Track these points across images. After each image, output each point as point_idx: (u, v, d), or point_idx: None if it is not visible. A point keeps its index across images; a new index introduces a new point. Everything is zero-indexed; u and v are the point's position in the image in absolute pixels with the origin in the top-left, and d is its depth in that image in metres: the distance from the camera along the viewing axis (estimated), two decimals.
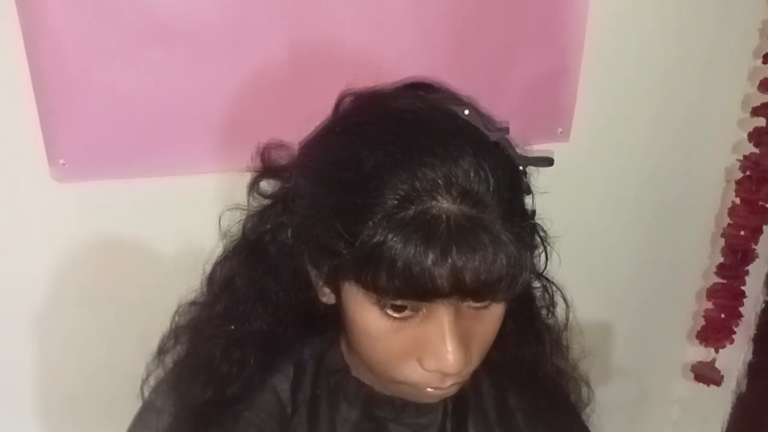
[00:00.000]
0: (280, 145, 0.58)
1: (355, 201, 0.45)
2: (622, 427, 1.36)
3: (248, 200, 0.58)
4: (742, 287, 1.24)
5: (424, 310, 0.48)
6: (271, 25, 0.81)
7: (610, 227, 1.18)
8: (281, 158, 0.58)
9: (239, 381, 0.58)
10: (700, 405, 1.40)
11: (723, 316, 1.26)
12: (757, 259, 1.22)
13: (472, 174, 0.45)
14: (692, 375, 1.33)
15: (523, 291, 0.59)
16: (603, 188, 1.14)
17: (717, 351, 1.30)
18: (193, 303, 0.62)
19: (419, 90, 0.53)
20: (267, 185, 0.58)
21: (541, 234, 0.57)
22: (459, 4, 0.90)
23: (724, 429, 1.35)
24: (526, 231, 0.49)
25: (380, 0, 0.85)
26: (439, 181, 0.44)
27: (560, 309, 0.65)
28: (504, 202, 0.46)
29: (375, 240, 0.44)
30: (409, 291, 0.44)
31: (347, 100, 0.54)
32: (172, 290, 0.63)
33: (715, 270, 1.26)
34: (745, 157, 1.17)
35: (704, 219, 1.28)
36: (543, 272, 0.61)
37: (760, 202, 1.17)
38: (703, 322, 1.29)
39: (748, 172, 1.17)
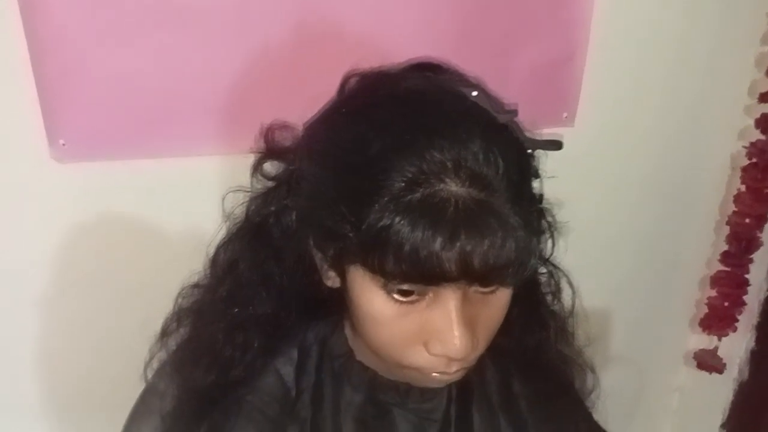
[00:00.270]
0: (284, 127, 0.57)
1: (361, 184, 0.45)
2: (623, 415, 1.36)
3: (252, 182, 0.58)
4: (746, 275, 1.24)
5: (431, 295, 0.47)
6: (274, 6, 0.80)
7: (614, 213, 1.17)
8: (285, 140, 0.57)
9: (242, 364, 0.58)
10: (701, 393, 1.40)
11: (726, 304, 1.25)
12: (761, 247, 1.21)
13: (481, 157, 0.44)
14: (694, 363, 1.34)
15: (529, 276, 0.59)
16: (607, 174, 1.13)
17: (720, 339, 1.30)
18: (196, 286, 0.62)
19: (427, 71, 0.52)
20: (271, 167, 0.57)
21: (549, 219, 0.56)
22: None
23: (726, 417, 1.36)
24: (534, 216, 0.49)
25: None
26: (448, 164, 0.43)
27: (566, 295, 0.65)
28: (513, 186, 0.45)
29: (382, 223, 0.43)
30: (416, 275, 0.44)
31: (352, 80, 0.53)
32: (174, 272, 0.63)
33: (719, 258, 1.25)
34: (751, 144, 1.16)
35: (709, 206, 1.28)
36: (549, 258, 0.60)
37: (766, 190, 1.17)
38: (706, 310, 1.29)
39: (754, 159, 1.16)
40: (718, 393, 1.35)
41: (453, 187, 0.43)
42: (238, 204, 0.59)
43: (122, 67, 0.76)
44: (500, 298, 0.49)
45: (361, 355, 0.59)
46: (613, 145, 1.11)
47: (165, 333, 0.62)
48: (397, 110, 0.47)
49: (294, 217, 0.54)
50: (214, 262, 0.60)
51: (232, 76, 0.81)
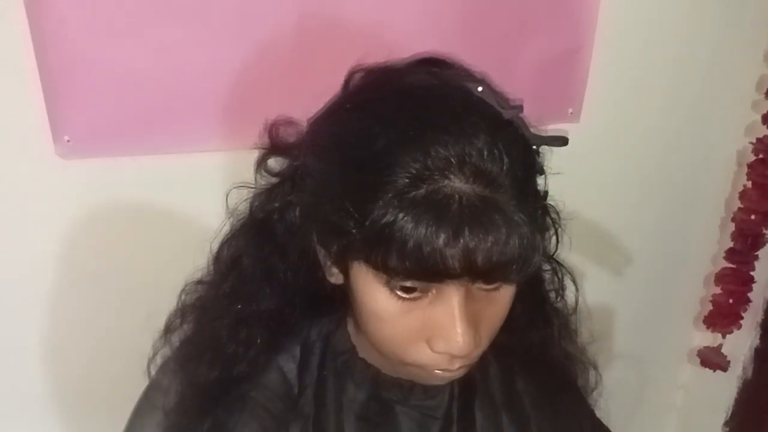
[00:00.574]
0: (289, 122, 0.57)
1: (365, 179, 0.45)
2: (627, 412, 1.36)
3: (255, 178, 0.57)
4: (752, 272, 1.23)
5: (434, 291, 0.47)
6: (277, 0, 0.79)
7: (619, 209, 1.17)
8: (289, 135, 0.57)
9: (246, 361, 0.58)
10: (705, 390, 1.40)
11: (731, 301, 1.25)
12: (767, 245, 1.21)
13: (486, 153, 0.44)
14: (698, 360, 1.33)
15: (533, 273, 0.58)
16: (613, 169, 1.12)
17: (724, 336, 1.29)
18: (199, 282, 0.62)
19: (432, 66, 0.52)
20: (275, 163, 0.57)
21: (553, 216, 0.56)
22: None
23: (729, 415, 1.35)
24: (538, 212, 0.48)
25: None
26: (452, 160, 0.43)
27: (569, 292, 0.64)
28: (518, 183, 0.45)
29: (385, 219, 0.43)
30: (419, 272, 0.44)
31: (357, 76, 0.53)
32: (179, 269, 0.63)
33: (724, 255, 1.25)
34: (758, 140, 1.15)
35: (714, 203, 1.27)
36: (553, 255, 0.60)
37: None
38: (711, 307, 1.28)
39: (760, 155, 1.15)
40: (722, 390, 1.35)
41: (457, 183, 0.43)
42: (241, 200, 0.59)
43: (126, 64, 0.76)
44: (503, 295, 0.49)
45: (364, 352, 0.59)
46: (618, 141, 1.10)
47: (168, 329, 0.62)
48: (401, 106, 0.47)
49: (298, 213, 0.54)
50: (218, 258, 0.60)
51: (236, 71, 0.81)
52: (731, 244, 1.23)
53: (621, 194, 1.16)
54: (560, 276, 0.63)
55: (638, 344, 1.31)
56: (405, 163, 0.43)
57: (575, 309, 0.65)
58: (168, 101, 0.80)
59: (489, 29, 0.93)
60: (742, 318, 1.26)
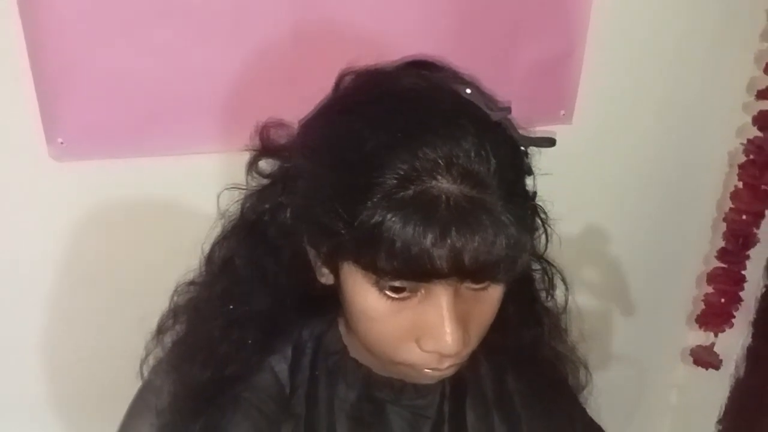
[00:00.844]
0: (280, 124, 0.57)
1: (354, 181, 0.45)
2: (620, 412, 1.37)
3: (247, 180, 0.58)
4: (743, 272, 1.24)
5: (423, 291, 0.47)
6: (273, 3, 0.80)
7: (612, 210, 1.17)
8: (281, 137, 0.57)
9: (238, 361, 0.58)
10: (698, 389, 1.40)
11: (723, 300, 1.26)
12: (758, 244, 1.22)
13: (473, 154, 0.44)
14: (691, 359, 1.34)
15: (522, 273, 0.59)
16: (605, 171, 1.13)
17: (716, 335, 1.30)
18: (191, 283, 0.62)
19: (421, 68, 0.52)
20: (266, 164, 0.57)
21: (542, 216, 0.56)
22: None
23: (722, 413, 1.36)
24: (526, 212, 0.49)
25: None
26: (440, 161, 0.44)
27: (559, 292, 0.65)
28: (505, 183, 0.45)
29: (374, 220, 0.43)
30: (407, 272, 0.44)
31: (348, 78, 0.54)
32: (173, 270, 0.63)
33: (716, 254, 1.26)
34: (749, 140, 1.16)
35: (706, 203, 1.28)
36: (543, 254, 0.60)
37: (763, 187, 1.17)
38: (703, 307, 1.29)
39: (751, 156, 1.16)
40: (715, 389, 1.35)
41: (445, 184, 0.43)
42: (233, 201, 0.59)
43: (120, 66, 0.76)
44: (492, 295, 0.50)
45: (356, 353, 0.60)
46: (610, 143, 1.11)
47: (161, 330, 0.62)
48: (391, 108, 0.47)
49: (289, 215, 0.54)
50: (210, 259, 0.60)
51: (230, 74, 0.81)
52: (723, 244, 1.24)
53: (613, 195, 1.17)
54: (550, 275, 0.63)
55: (632, 344, 1.32)
56: (393, 164, 0.44)
57: (565, 308, 0.65)
58: (161, 103, 0.80)
59: (482, 32, 0.93)
60: (734, 317, 1.27)
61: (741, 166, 1.18)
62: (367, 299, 0.48)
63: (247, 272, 0.57)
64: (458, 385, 0.62)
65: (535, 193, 0.53)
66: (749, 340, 1.29)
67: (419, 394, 0.60)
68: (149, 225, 0.85)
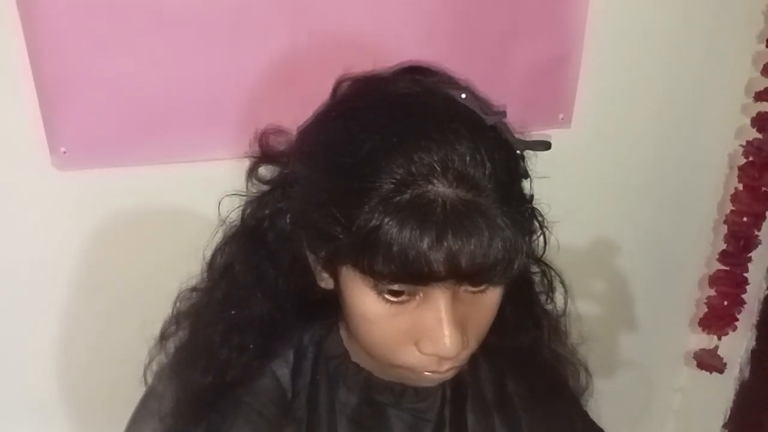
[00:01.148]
0: (279, 131, 0.58)
1: (351, 185, 0.46)
2: (623, 416, 1.36)
3: (247, 186, 0.58)
4: (745, 274, 1.23)
5: (421, 295, 0.48)
6: (270, 10, 0.81)
7: (612, 213, 1.17)
8: (280, 144, 0.58)
9: (239, 366, 0.59)
10: (702, 393, 1.40)
11: (725, 303, 1.25)
12: (759, 246, 1.21)
13: (468, 158, 0.45)
14: (695, 363, 1.33)
15: (521, 276, 0.59)
16: (605, 174, 1.13)
17: (719, 338, 1.29)
18: (193, 289, 0.63)
19: (416, 74, 0.53)
20: (266, 171, 0.58)
21: (539, 219, 0.57)
22: None
23: (727, 417, 1.35)
24: (523, 215, 0.49)
25: None
26: (436, 166, 0.44)
27: (559, 295, 0.65)
28: (501, 186, 0.46)
29: (371, 224, 0.44)
30: (405, 275, 0.45)
31: (345, 84, 0.54)
32: (175, 277, 0.63)
33: (717, 257, 1.25)
34: (748, 142, 1.16)
35: (707, 206, 1.28)
36: (542, 257, 0.61)
37: (763, 188, 1.16)
38: (706, 310, 1.29)
39: (751, 158, 1.16)
40: (720, 393, 1.35)
41: (440, 188, 0.44)
42: (234, 208, 0.60)
43: (122, 75, 0.77)
44: (490, 298, 0.50)
45: (356, 357, 0.60)
46: (610, 146, 1.11)
47: (164, 336, 0.63)
48: (386, 113, 0.48)
49: (288, 220, 0.55)
50: (211, 265, 0.61)
51: (230, 81, 0.82)
52: (724, 247, 1.24)
53: (613, 198, 1.17)
54: (549, 278, 0.64)
55: (635, 348, 1.32)
56: (390, 169, 0.44)
57: (564, 311, 0.65)
58: (164, 112, 0.81)
59: (480, 36, 0.94)
60: (737, 320, 1.26)
61: (740, 168, 1.18)
62: (366, 303, 0.48)
63: (248, 278, 0.58)
64: (459, 388, 0.63)
65: (531, 196, 0.53)
66: (753, 342, 1.29)
67: (420, 398, 0.61)
68: (151, 232, 0.86)
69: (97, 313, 0.87)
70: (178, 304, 0.63)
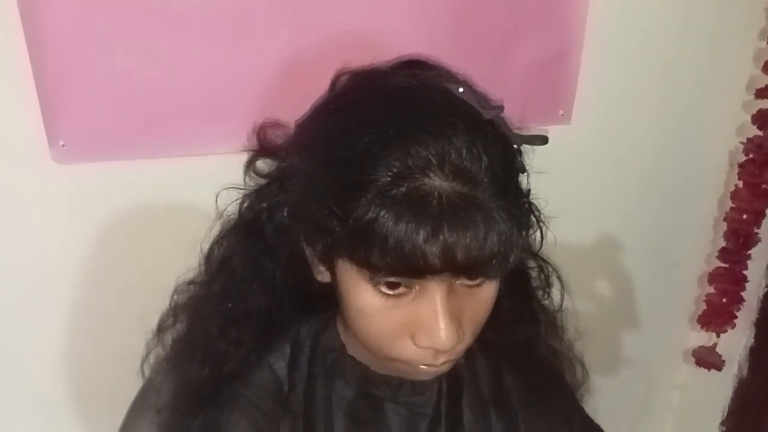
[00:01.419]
0: (277, 125, 0.58)
1: (348, 178, 0.46)
2: (623, 413, 1.36)
3: (245, 180, 0.58)
4: (744, 272, 1.24)
5: (417, 288, 0.48)
6: (271, 7, 0.81)
7: (612, 210, 1.17)
8: (278, 137, 0.58)
9: (236, 359, 0.59)
10: (701, 390, 1.40)
11: (725, 300, 1.25)
12: (759, 243, 1.21)
13: (464, 152, 0.45)
14: (693, 360, 1.33)
15: (518, 270, 0.59)
16: (605, 171, 1.13)
17: (718, 336, 1.29)
18: (191, 282, 0.63)
19: (414, 68, 0.53)
20: (263, 165, 0.58)
21: (536, 213, 0.57)
22: None
23: (725, 414, 1.35)
24: (519, 209, 0.49)
25: None
26: (432, 159, 0.44)
27: (556, 290, 0.65)
28: (497, 180, 0.46)
29: (368, 217, 0.44)
30: (401, 268, 0.45)
31: (343, 78, 0.54)
32: (173, 270, 0.63)
33: (717, 254, 1.25)
34: (748, 139, 1.16)
35: (707, 203, 1.28)
36: (538, 252, 0.61)
37: (763, 186, 1.17)
38: (705, 307, 1.29)
39: (751, 155, 1.16)
40: (719, 390, 1.35)
41: (437, 181, 0.44)
42: (232, 201, 0.60)
43: (120, 69, 0.77)
44: (486, 291, 0.50)
45: (353, 350, 0.60)
46: (610, 142, 1.11)
47: (161, 329, 0.63)
48: (384, 106, 0.48)
49: (286, 213, 0.55)
50: (209, 258, 0.61)
51: (228, 76, 0.82)
52: (724, 244, 1.24)
53: (613, 195, 1.17)
54: (546, 273, 0.64)
55: (634, 345, 1.32)
56: (386, 162, 0.44)
57: (561, 306, 0.65)
58: (163, 106, 0.81)
59: (480, 32, 0.94)
60: (736, 317, 1.26)
61: (741, 165, 1.18)
62: (363, 296, 0.48)
63: (245, 271, 0.58)
64: (455, 382, 0.63)
65: (529, 190, 0.53)
66: (752, 340, 1.29)
67: (416, 392, 0.61)
68: (151, 226, 0.86)
69: (98, 307, 0.87)
70: (175, 297, 0.63)
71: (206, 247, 0.61)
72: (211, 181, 0.83)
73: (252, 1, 0.80)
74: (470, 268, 0.45)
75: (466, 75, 0.53)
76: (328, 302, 0.59)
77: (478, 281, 0.49)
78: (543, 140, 0.52)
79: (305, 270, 0.56)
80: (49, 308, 0.86)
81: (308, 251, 0.54)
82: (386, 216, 0.43)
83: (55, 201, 0.81)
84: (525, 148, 0.53)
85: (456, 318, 0.48)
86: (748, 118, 1.16)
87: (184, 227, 0.85)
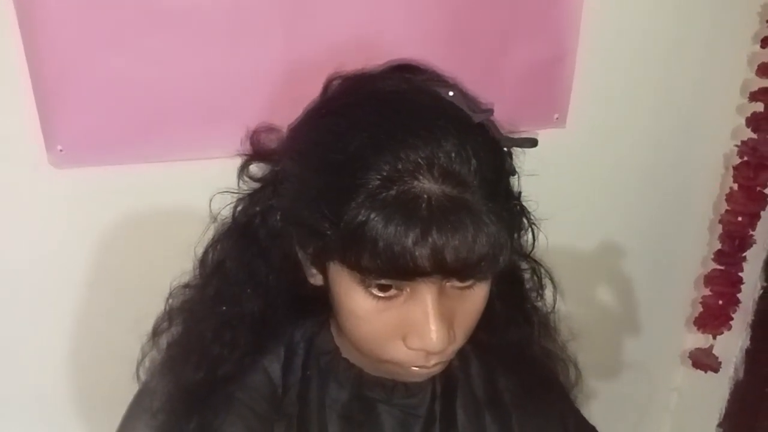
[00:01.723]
0: (270, 129, 0.58)
1: (339, 182, 0.46)
2: (619, 415, 1.36)
3: (238, 184, 0.59)
4: (740, 274, 1.24)
5: (408, 290, 0.48)
6: (268, 11, 0.81)
7: (607, 213, 1.18)
8: (271, 142, 0.58)
9: (231, 362, 0.59)
10: (697, 392, 1.40)
11: (721, 302, 1.26)
12: (754, 246, 1.22)
13: (454, 155, 0.45)
14: (690, 362, 1.34)
15: (510, 272, 0.60)
16: (600, 174, 1.14)
17: (715, 338, 1.30)
18: (186, 286, 0.63)
19: (405, 71, 0.53)
20: (257, 169, 0.59)
21: (528, 215, 0.57)
22: None
23: (722, 416, 1.36)
24: (509, 212, 0.50)
25: None
26: (422, 162, 0.45)
27: (549, 292, 0.66)
28: (486, 183, 0.46)
29: (358, 220, 0.44)
30: (391, 270, 0.45)
31: (335, 82, 0.55)
32: (169, 274, 0.64)
33: (712, 256, 1.26)
34: (743, 142, 1.16)
35: (702, 206, 1.28)
36: (530, 254, 0.61)
37: (758, 188, 1.17)
38: (701, 309, 1.29)
39: (746, 158, 1.16)
40: (715, 392, 1.35)
41: (426, 184, 0.44)
42: (225, 205, 0.61)
43: (119, 73, 0.78)
44: (477, 293, 0.51)
45: (347, 353, 0.60)
46: (605, 146, 1.12)
47: (156, 332, 0.63)
48: (374, 110, 0.48)
49: (279, 217, 0.56)
50: (203, 262, 0.61)
51: (225, 80, 0.82)
52: (720, 246, 1.24)
53: (608, 198, 1.17)
54: (539, 275, 0.64)
55: (630, 347, 1.32)
56: (377, 165, 0.45)
57: (554, 307, 0.66)
58: (160, 110, 0.81)
59: (474, 36, 0.94)
60: (731, 319, 1.27)
61: (736, 168, 1.18)
62: (354, 298, 0.49)
63: (239, 274, 0.58)
64: (449, 384, 0.63)
65: (519, 193, 0.54)
66: (747, 342, 1.29)
67: (410, 394, 0.61)
68: (148, 229, 0.87)
69: (96, 309, 0.87)
70: (170, 300, 0.64)
71: (200, 251, 0.62)
72: (208, 185, 0.83)
73: (250, 7, 0.80)
74: (460, 270, 0.46)
75: (456, 79, 0.54)
76: (322, 305, 0.59)
77: (468, 283, 0.49)
78: (533, 143, 0.52)
79: (298, 273, 0.57)
80: (44, 311, 0.86)
81: (301, 254, 0.54)
82: (376, 219, 0.44)
83: (53, 205, 0.82)
84: (518, 151, 0.53)
85: (447, 320, 0.49)
86: (743, 121, 1.17)
87: (182, 231, 0.85)
